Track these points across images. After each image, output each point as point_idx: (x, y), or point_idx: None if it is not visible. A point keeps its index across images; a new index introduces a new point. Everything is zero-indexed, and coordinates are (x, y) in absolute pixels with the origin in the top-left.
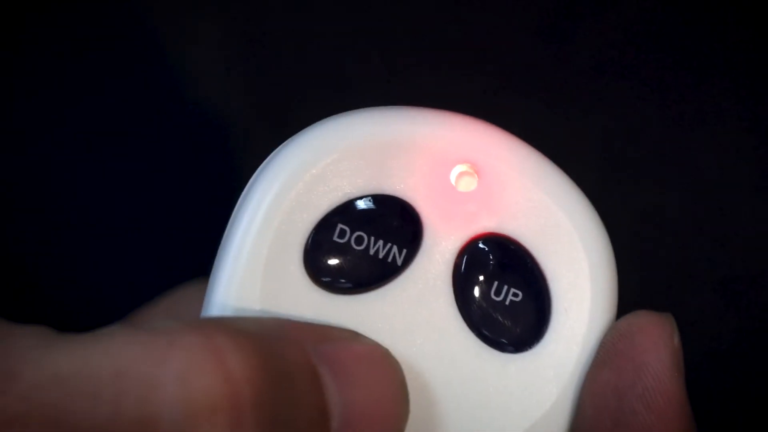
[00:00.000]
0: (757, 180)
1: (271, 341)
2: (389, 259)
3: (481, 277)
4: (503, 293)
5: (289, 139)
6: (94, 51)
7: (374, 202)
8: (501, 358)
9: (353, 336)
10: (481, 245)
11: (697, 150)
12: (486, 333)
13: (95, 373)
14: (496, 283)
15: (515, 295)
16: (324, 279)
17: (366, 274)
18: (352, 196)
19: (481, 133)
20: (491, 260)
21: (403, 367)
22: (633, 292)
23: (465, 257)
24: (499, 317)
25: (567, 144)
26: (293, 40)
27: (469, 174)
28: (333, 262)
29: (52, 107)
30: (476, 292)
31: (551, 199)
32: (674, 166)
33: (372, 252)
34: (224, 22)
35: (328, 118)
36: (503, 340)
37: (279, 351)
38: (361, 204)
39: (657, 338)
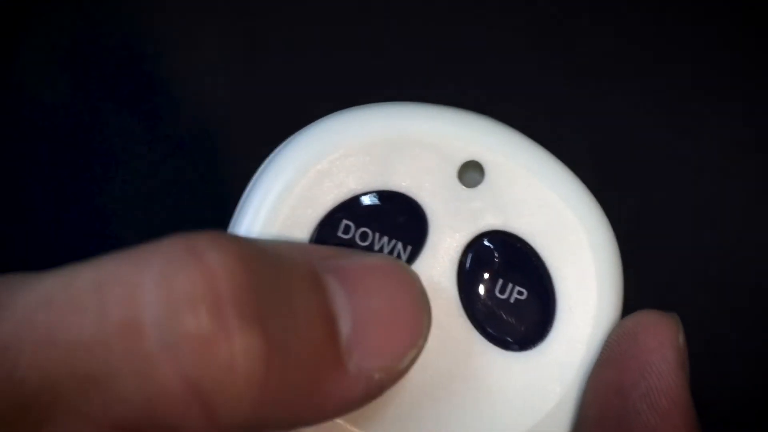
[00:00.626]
0: (757, 178)
1: (262, 247)
2: (394, 256)
3: (486, 275)
4: (508, 291)
5: (294, 135)
6: (92, 53)
7: (379, 199)
8: (505, 356)
9: (363, 252)
10: (486, 243)
11: (698, 150)
12: (490, 331)
13: (80, 288)
14: (501, 281)
15: (520, 293)
16: None
17: None
18: (357, 192)
19: (488, 129)
20: (496, 258)
21: None
22: (632, 293)
23: (470, 254)
24: (504, 315)
25: (566, 144)
26: (297, 39)
27: (475, 170)
28: None
29: (53, 106)
30: (481, 289)
31: (558, 197)
32: (674, 166)
33: (377, 248)
34: (226, 22)
35: (332, 114)
36: (507, 338)
37: (269, 253)
38: (366, 200)
39: (662, 338)
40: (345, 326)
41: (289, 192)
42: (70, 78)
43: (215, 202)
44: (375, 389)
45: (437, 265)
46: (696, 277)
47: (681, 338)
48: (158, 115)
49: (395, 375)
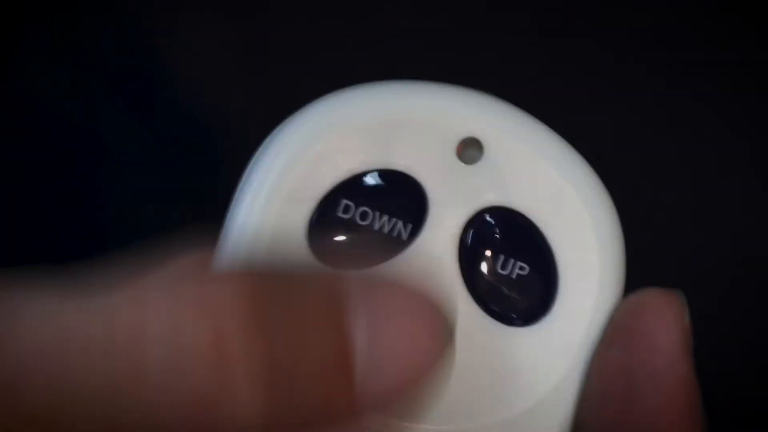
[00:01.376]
0: (756, 176)
1: (276, 279)
2: (394, 234)
3: (487, 251)
4: (510, 267)
5: (292, 116)
6: (91, 49)
7: (378, 177)
8: (508, 332)
9: (389, 279)
10: (486, 219)
11: (696, 151)
12: (492, 307)
13: (88, 328)
14: (502, 257)
15: (522, 268)
16: (329, 255)
17: (371, 250)
18: (355, 172)
19: (486, 105)
20: (497, 234)
21: None
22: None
23: (471, 231)
24: (506, 291)
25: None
26: (297, 34)
27: (474, 147)
28: (338, 237)
29: (53, 102)
30: (482, 265)
31: (558, 172)
32: (673, 164)
33: (377, 227)
34: (224, 18)
35: (330, 94)
36: (510, 314)
37: (288, 287)
38: (366, 179)
39: (668, 317)
40: (360, 362)
41: (288, 173)
42: (70, 78)
43: (215, 198)
44: (381, 411)
45: (438, 243)
46: (691, 277)
47: (687, 317)
48: (157, 112)
49: (404, 401)
